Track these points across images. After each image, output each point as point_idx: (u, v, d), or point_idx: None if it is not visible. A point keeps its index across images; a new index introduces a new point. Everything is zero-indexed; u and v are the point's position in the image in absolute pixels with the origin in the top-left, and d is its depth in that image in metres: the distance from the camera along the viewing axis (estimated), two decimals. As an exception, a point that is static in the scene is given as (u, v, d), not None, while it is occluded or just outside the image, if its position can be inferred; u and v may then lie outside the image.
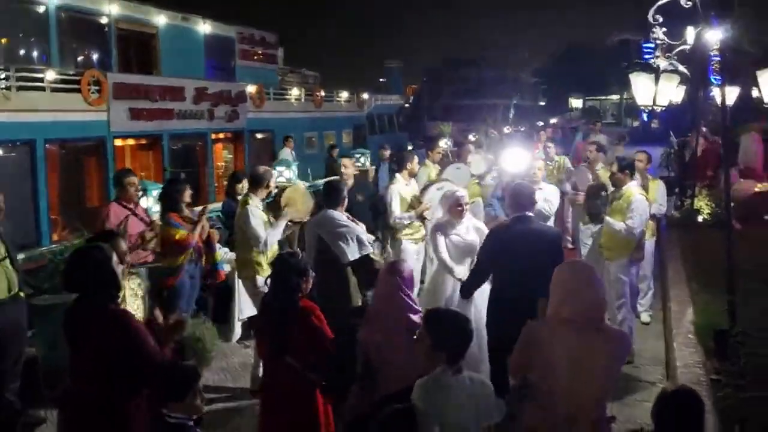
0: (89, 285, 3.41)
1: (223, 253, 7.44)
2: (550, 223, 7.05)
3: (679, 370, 5.61)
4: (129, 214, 6.22)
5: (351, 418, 3.70)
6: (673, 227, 10.76)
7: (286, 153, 16.80)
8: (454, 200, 5.87)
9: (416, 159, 7.83)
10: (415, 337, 3.48)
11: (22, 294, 5.41)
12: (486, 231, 5.56)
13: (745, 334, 5.62)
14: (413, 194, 7.37)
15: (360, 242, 5.28)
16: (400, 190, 7.30)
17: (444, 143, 15.68)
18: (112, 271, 3.48)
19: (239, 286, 6.98)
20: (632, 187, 6.36)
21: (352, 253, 5.21)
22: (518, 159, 7.73)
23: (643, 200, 6.29)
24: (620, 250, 6.34)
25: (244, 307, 6.99)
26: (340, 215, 5.41)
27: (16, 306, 5.31)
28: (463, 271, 5.59)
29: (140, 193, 7.42)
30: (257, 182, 6.18)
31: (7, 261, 5.33)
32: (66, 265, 3.58)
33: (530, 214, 4.99)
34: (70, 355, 3.51)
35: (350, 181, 7.55)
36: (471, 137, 18.73)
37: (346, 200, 5.62)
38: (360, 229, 5.49)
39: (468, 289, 5.15)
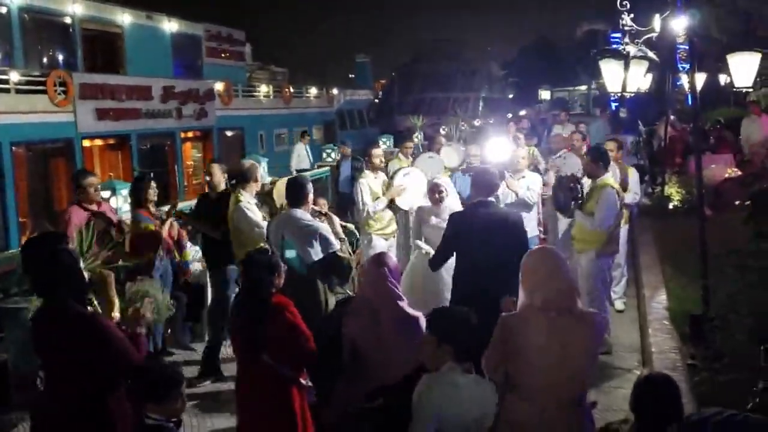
0: (58, 288, 3.31)
1: (193, 252, 7.35)
2: (534, 211, 7.05)
3: (655, 356, 5.66)
4: (90, 215, 6.07)
5: (340, 410, 3.67)
6: (645, 214, 10.89)
7: (301, 148, 16.80)
8: (432, 187, 5.95)
9: (381, 151, 7.72)
10: (408, 332, 3.46)
11: None
12: None
13: (720, 318, 5.69)
14: (383, 185, 7.31)
15: (325, 241, 5.16)
16: (369, 183, 7.25)
17: (415, 137, 15.67)
18: (80, 273, 3.39)
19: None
20: (607, 178, 6.30)
21: (316, 253, 5.09)
22: (501, 148, 7.76)
23: (612, 193, 6.19)
24: (591, 242, 6.26)
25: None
26: (304, 214, 5.23)
27: None
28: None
29: (101, 193, 7.30)
30: (245, 177, 6.09)
31: None
32: (32, 267, 3.46)
33: (491, 199, 5.06)
34: (41, 358, 3.42)
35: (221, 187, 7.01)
36: (442, 130, 18.75)
37: (311, 196, 5.44)
38: (325, 226, 5.37)
39: (433, 264, 5.19)
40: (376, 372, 3.59)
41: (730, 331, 5.60)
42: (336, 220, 5.86)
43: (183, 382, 3.15)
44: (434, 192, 6.09)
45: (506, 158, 7.58)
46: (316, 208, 5.83)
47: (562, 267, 3.29)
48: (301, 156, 16.49)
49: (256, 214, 5.93)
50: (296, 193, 5.25)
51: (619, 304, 7.57)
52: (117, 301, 4.06)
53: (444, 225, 5.66)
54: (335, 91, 28.48)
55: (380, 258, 4.04)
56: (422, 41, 56.60)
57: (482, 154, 8.27)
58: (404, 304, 3.84)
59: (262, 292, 3.83)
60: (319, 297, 5.05)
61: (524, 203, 6.82)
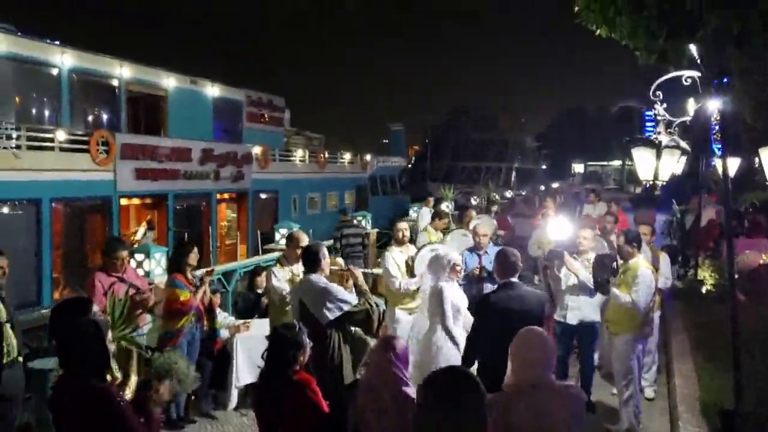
0: (78, 359, 3.34)
1: (222, 318, 7.38)
2: (597, 296, 6.66)
3: (686, 450, 5.47)
4: (115, 280, 6.14)
5: None
6: (676, 298, 10.68)
7: (425, 212, 15.33)
8: (452, 262, 5.91)
9: (407, 226, 7.74)
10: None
11: (20, 359, 5.38)
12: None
13: (752, 414, 5.49)
14: (407, 261, 7.30)
15: (340, 301, 5.20)
16: (394, 256, 7.26)
17: (446, 206, 15.75)
18: (101, 345, 3.42)
19: (237, 352, 6.92)
20: (640, 260, 6.31)
21: (332, 313, 5.13)
22: (562, 228, 7.62)
23: (650, 274, 6.22)
24: (626, 324, 6.24)
25: (242, 374, 6.91)
26: (319, 278, 5.34)
27: (13, 371, 5.27)
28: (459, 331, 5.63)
29: (135, 256, 7.43)
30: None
31: (8, 325, 5.31)
32: (56, 335, 3.50)
33: (515, 279, 5.07)
34: (57, 428, 3.43)
35: None
36: (473, 200, 18.82)
37: (325, 261, 5.52)
38: (339, 288, 5.41)
39: (468, 357, 5.11)
40: None
41: (763, 428, 5.39)
42: (358, 273, 5.84)
43: None
44: (454, 266, 5.94)
45: (568, 237, 7.38)
46: (335, 268, 5.85)
47: (543, 345, 3.45)
48: (425, 220, 15.45)
49: (283, 283, 6.03)
50: (311, 259, 5.40)
51: (649, 392, 7.36)
52: (134, 378, 4.07)
53: (457, 301, 5.72)
54: (368, 157, 28.92)
55: (387, 342, 4.00)
56: (456, 109, 57.41)
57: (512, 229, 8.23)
58: (410, 390, 3.79)
59: (285, 370, 3.84)
60: (328, 342, 5.08)
61: (586, 287, 6.53)
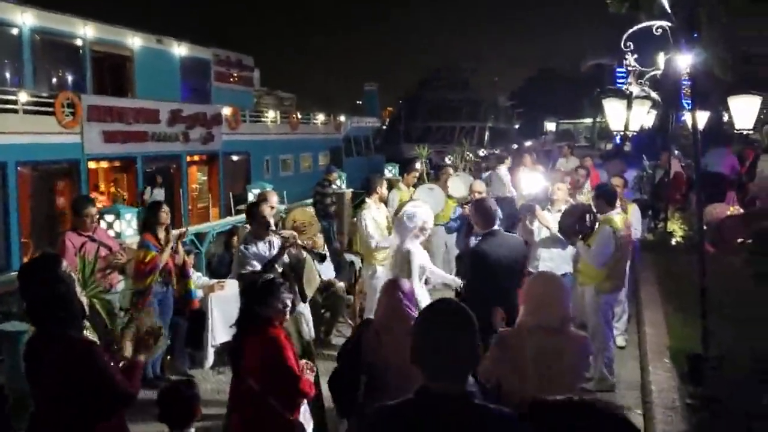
0: (51, 315, 3.30)
1: (196, 278, 7.34)
2: (569, 248, 6.72)
3: (655, 395, 5.62)
4: (86, 240, 6.09)
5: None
6: (647, 250, 10.87)
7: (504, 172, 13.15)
8: (421, 221, 5.89)
9: (385, 183, 7.81)
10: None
11: None
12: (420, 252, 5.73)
13: (719, 358, 5.66)
14: (386, 218, 7.32)
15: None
16: (373, 215, 7.26)
17: (420, 165, 15.72)
18: (74, 298, 3.38)
19: (212, 311, 6.91)
20: (610, 216, 6.31)
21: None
22: (534, 181, 7.66)
23: (607, 231, 6.18)
24: (592, 277, 6.31)
25: (217, 333, 6.92)
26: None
27: None
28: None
29: (106, 216, 7.35)
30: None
31: None
32: (27, 293, 3.45)
33: (497, 227, 5.21)
34: (31, 384, 3.40)
35: None
36: (447, 159, 18.81)
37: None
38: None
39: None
40: (394, 388, 3.63)
41: (729, 371, 5.57)
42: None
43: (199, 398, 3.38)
44: (422, 228, 5.84)
45: (539, 190, 7.40)
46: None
47: (560, 292, 3.57)
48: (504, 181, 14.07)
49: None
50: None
51: (620, 341, 7.53)
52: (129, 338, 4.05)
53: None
54: (342, 117, 28.67)
55: (395, 283, 4.17)
56: (429, 70, 57.07)
57: (488, 189, 8.23)
58: None
59: (250, 319, 3.90)
60: None
61: (558, 239, 6.58)
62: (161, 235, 6.48)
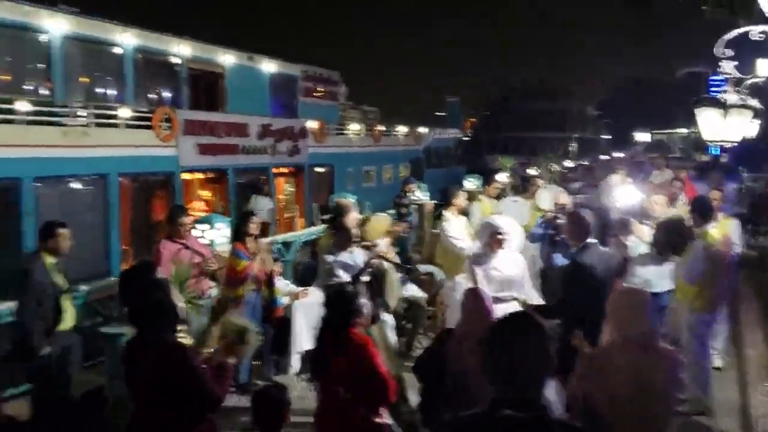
0: (148, 319, 3.49)
1: (283, 286, 7.54)
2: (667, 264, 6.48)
3: (755, 419, 5.31)
4: (180, 248, 6.37)
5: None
6: (746, 267, 10.28)
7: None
8: (493, 230, 5.76)
9: (463, 195, 7.75)
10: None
11: (76, 326, 5.71)
12: (523, 262, 5.52)
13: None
14: (465, 229, 7.25)
15: None
16: (453, 226, 7.22)
17: (503, 177, 15.53)
18: (170, 303, 3.55)
19: (297, 318, 7.06)
20: (707, 231, 6.03)
21: None
22: (629, 194, 7.42)
23: (698, 247, 5.88)
24: (687, 295, 6.01)
25: (302, 339, 7.05)
26: None
27: (69, 338, 5.59)
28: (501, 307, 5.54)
29: (199, 226, 7.68)
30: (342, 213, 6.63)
31: (67, 295, 5.59)
32: (127, 298, 3.66)
33: (593, 240, 5.09)
34: (129, 385, 3.58)
35: None
36: (532, 171, 18.49)
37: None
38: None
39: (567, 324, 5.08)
40: (476, 397, 3.62)
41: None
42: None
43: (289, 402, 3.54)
44: (495, 234, 5.75)
45: (635, 203, 7.15)
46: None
47: (642, 307, 3.48)
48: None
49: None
50: None
51: (718, 361, 7.13)
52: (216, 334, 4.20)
53: (501, 273, 5.62)
54: (423, 129, 28.77)
55: (476, 292, 4.21)
56: (514, 80, 56.38)
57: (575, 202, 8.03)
58: None
59: (340, 326, 3.92)
60: None
61: (656, 255, 6.32)
62: (251, 244, 6.71)
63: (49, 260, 5.58)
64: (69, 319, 5.58)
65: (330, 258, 5.69)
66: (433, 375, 3.95)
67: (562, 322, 4.83)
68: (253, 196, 15.52)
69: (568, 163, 29.88)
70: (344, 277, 5.53)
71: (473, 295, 4.16)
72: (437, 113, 44.52)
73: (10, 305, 5.66)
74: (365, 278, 5.61)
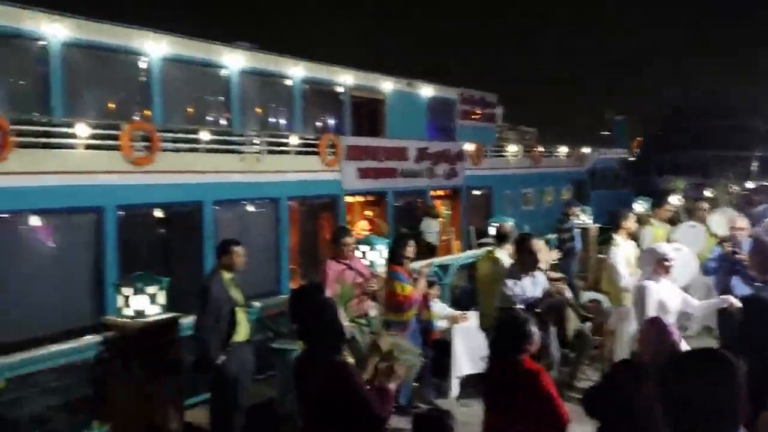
0: (316, 336, 3.60)
1: (440, 309, 7.51)
2: None
3: None
4: (345, 268, 6.54)
5: None
6: None
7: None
8: (659, 256, 5.38)
9: (633, 218, 7.32)
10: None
11: (250, 340, 6.05)
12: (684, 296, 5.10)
13: None
14: (635, 255, 6.84)
15: None
16: (623, 252, 6.83)
17: (676, 200, 14.52)
18: (338, 323, 3.64)
19: (456, 342, 7.00)
20: None
21: None
22: None
23: None
24: None
25: (461, 364, 6.97)
26: None
27: (244, 351, 5.91)
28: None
29: (360, 247, 7.87)
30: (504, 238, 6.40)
31: (243, 309, 5.94)
32: (296, 316, 3.81)
33: None
34: (299, 400, 3.71)
35: None
36: (707, 193, 17.16)
37: None
38: None
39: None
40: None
41: None
42: None
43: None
44: (663, 259, 5.40)
45: None
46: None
47: None
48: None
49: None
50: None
51: None
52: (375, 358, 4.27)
53: (666, 302, 5.19)
54: (587, 149, 27.72)
55: (658, 322, 3.93)
56: (686, 95, 52.74)
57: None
58: None
59: (512, 356, 3.79)
60: None
61: None
62: (407, 266, 6.76)
63: (226, 276, 5.99)
64: (243, 332, 5.94)
65: (510, 282, 5.58)
66: (611, 411, 3.69)
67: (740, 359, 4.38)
68: (424, 218, 15.82)
69: (750, 185, 27.32)
70: (520, 303, 5.39)
71: (655, 325, 3.87)
72: (601, 132, 42.75)
73: (191, 319, 6.14)
74: (539, 308, 5.45)
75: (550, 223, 14.83)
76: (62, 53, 10.50)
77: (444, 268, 10.15)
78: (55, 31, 10.33)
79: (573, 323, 5.81)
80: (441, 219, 18.41)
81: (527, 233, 6.41)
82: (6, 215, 9.05)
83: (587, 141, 31.37)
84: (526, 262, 5.63)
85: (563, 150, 26.04)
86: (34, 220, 9.61)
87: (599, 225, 14.37)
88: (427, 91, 18.93)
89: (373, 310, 6.81)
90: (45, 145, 9.69)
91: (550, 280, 5.63)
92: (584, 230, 13.11)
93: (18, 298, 9.04)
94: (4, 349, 7.78)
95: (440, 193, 18.89)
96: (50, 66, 10.38)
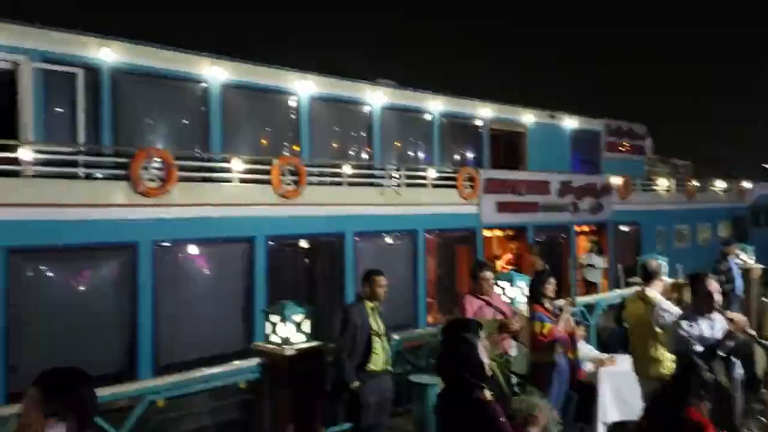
0: (456, 374, 3.52)
1: (587, 351, 7.18)
2: None
3: None
4: (483, 304, 6.43)
5: None
6: None
7: None
8: None
9: None
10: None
11: (390, 369, 6.02)
12: None
13: None
14: None
15: None
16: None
17: None
18: (479, 361, 3.55)
19: (603, 386, 6.63)
20: None
21: None
22: None
23: None
24: None
25: (608, 409, 6.60)
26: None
27: (388, 378, 5.92)
28: None
29: (500, 283, 7.69)
30: (651, 275, 6.12)
31: (385, 338, 5.97)
32: (445, 352, 3.76)
33: None
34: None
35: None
36: None
37: None
38: None
39: None
40: None
41: None
42: None
43: None
44: None
45: None
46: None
47: None
48: None
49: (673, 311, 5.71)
50: None
51: None
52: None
53: None
54: (748, 184, 25.61)
55: None
56: None
57: None
58: None
59: (681, 406, 3.52)
60: None
61: None
62: (548, 305, 6.54)
63: (368, 304, 6.11)
64: (381, 361, 5.98)
65: (685, 323, 5.21)
66: None
67: None
68: (589, 253, 15.36)
69: None
70: (698, 347, 4.99)
71: None
72: (764, 165, 39.30)
73: (332, 345, 6.27)
74: (723, 352, 5.01)
75: (706, 262, 13.76)
76: (221, 94, 11.34)
77: (590, 308, 9.69)
78: (215, 73, 11.19)
79: (763, 362, 5.30)
80: (583, 255, 17.70)
81: (701, 272, 5.96)
82: (168, 244, 9.79)
83: (749, 175, 28.95)
84: (701, 302, 5.22)
85: (720, 184, 24.22)
86: (193, 249, 10.33)
87: (762, 266, 13.20)
88: (570, 122, 18.43)
89: (513, 349, 6.62)
90: (204, 179, 10.45)
91: (729, 319, 5.16)
92: (745, 271, 12.10)
93: (177, 321, 9.72)
94: (164, 370, 8.44)
95: (584, 228, 18.16)
96: (210, 106, 11.25)
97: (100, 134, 9.92)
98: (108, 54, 9.86)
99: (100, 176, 9.52)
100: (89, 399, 2.56)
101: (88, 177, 9.38)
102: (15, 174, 8.47)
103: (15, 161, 8.44)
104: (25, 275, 8.53)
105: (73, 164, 9.26)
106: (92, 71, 9.82)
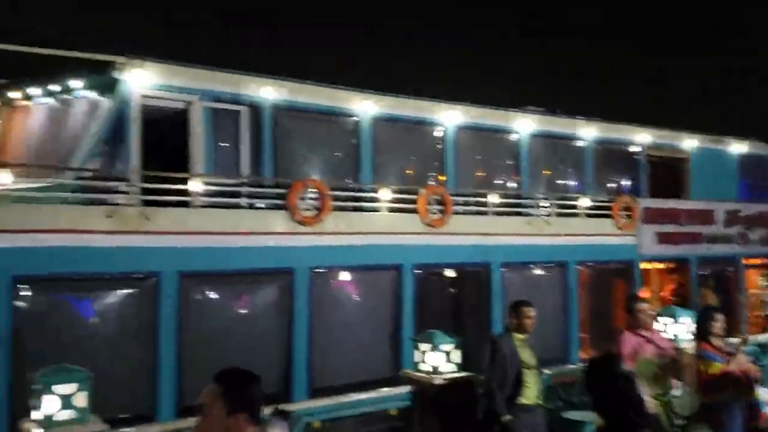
0: (620, 411, 3.36)
1: (763, 393, 6.54)
2: None
3: None
4: (643, 341, 6.06)
5: None
6: None
7: None
8: None
9: None
10: None
11: (541, 403, 5.81)
12: None
13: None
14: None
15: None
16: None
17: None
18: (640, 399, 3.37)
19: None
20: None
21: None
22: None
23: None
24: None
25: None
26: None
27: (540, 413, 5.71)
28: None
29: (661, 319, 7.20)
30: None
31: (534, 371, 5.79)
32: (592, 387, 3.60)
33: None
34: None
35: None
36: None
37: None
38: None
39: None
40: None
41: None
42: None
43: None
44: None
45: None
46: None
47: None
48: None
49: None
50: None
51: None
52: None
53: None
54: None
55: None
56: None
57: None
58: None
59: None
60: None
61: None
62: (716, 343, 6.04)
63: (518, 336, 5.96)
64: (532, 394, 5.81)
65: None
66: None
67: None
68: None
69: None
70: None
71: None
72: None
73: (481, 377, 6.17)
74: None
75: None
76: (371, 127, 11.72)
77: (763, 347, 8.85)
78: (366, 107, 11.60)
79: None
80: (754, 291, 16.19)
81: None
82: (323, 270, 10.19)
83: None
84: None
85: None
86: (344, 275, 10.67)
87: None
88: (738, 147, 17.06)
89: (677, 389, 6.18)
90: (355, 208, 10.81)
91: None
92: None
93: (330, 346, 10.03)
94: (318, 393, 8.73)
95: (755, 261, 16.62)
96: (361, 138, 11.65)
97: (261, 167, 10.60)
98: (269, 92, 10.56)
99: (263, 206, 10.15)
100: (259, 396, 2.99)
101: (251, 207, 10.04)
102: (185, 204, 9.23)
103: (185, 193, 9.21)
104: (194, 299, 9.21)
105: (237, 195, 9.97)
106: (255, 109, 10.54)
